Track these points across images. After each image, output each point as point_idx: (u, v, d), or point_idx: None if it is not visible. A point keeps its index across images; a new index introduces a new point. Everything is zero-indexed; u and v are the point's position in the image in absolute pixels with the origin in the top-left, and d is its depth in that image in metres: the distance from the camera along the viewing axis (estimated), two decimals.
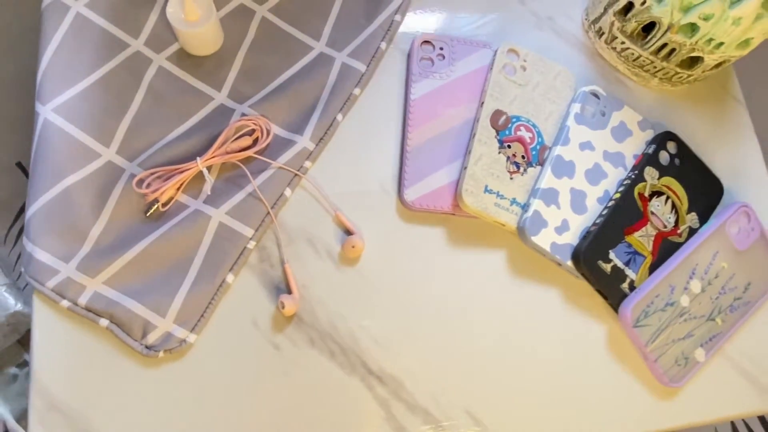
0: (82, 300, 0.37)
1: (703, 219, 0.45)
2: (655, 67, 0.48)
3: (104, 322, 0.37)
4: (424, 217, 0.43)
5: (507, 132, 0.44)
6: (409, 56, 0.46)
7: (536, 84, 0.46)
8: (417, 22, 0.48)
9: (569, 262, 0.42)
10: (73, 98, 0.41)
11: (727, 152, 0.50)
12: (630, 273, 0.42)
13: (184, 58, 0.43)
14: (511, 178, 0.43)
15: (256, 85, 0.44)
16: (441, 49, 0.46)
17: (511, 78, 0.45)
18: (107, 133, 0.41)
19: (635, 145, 0.46)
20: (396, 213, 0.43)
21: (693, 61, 0.47)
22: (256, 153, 0.41)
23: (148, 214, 0.40)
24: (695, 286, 0.43)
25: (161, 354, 0.37)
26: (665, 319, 0.42)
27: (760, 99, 0.57)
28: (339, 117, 0.44)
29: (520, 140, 0.44)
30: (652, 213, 0.44)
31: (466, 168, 0.42)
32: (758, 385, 0.43)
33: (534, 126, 0.45)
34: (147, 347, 0.37)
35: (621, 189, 0.44)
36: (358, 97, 0.45)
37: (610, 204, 0.43)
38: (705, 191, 0.46)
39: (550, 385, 0.41)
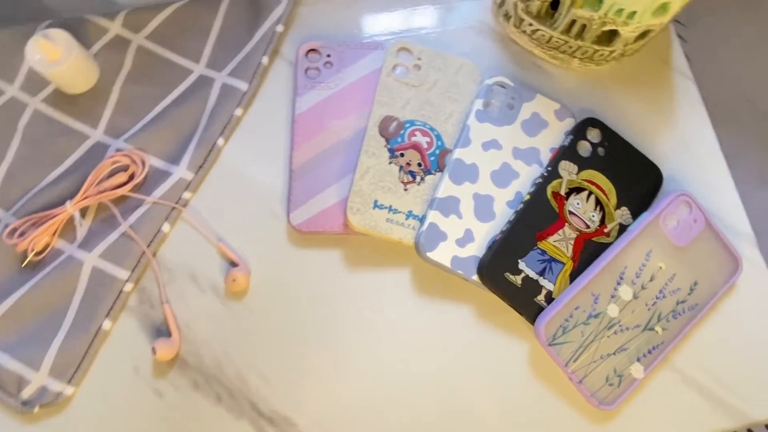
0: None
1: (638, 214, 0.40)
2: (570, 47, 0.43)
3: None
4: (316, 240, 0.41)
5: (399, 139, 0.41)
6: (294, 68, 0.43)
7: (433, 83, 0.43)
8: (308, 29, 0.46)
9: (475, 277, 0.38)
10: None
11: (671, 134, 0.45)
12: (546, 283, 0.38)
13: (59, 98, 0.43)
14: (406, 189, 0.40)
15: (132, 117, 0.43)
16: (328, 56, 0.43)
17: (403, 80, 0.42)
18: None
19: (552, 138, 0.42)
20: (286, 238, 0.41)
21: (611, 35, 0.42)
22: (132, 189, 0.40)
23: (23, 265, 0.39)
24: (625, 292, 0.38)
25: (37, 410, 0.36)
26: (589, 334, 0.37)
27: (711, 70, 0.51)
28: (220, 141, 0.42)
29: (416, 147, 0.41)
30: (571, 213, 0.39)
31: (352, 184, 0.39)
32: (714, 399, 0.38)
33: (432, 129, 0.41)
34: (23, 403, 0.36)
35: (531, 189, 0.40)
36: (241, 118, 0.43)
37: (519, 208, 0.39)
38: (639, 181, 0.42)
39: (467, 416, 0.37)
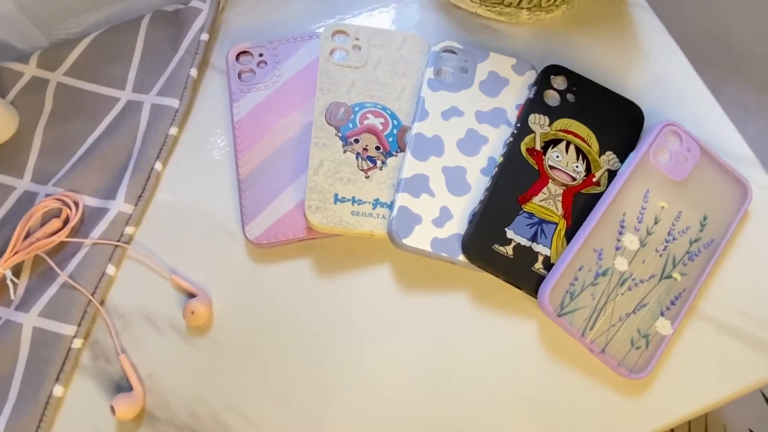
0: None
1: (626, 156, 0.37)
2: None
3: None
4: (280, 252, 0.37)
5: (350, 125, 0.37)
6: (226, 74, 0.40)
7: (377, 61, 0.39)
8: (236, 33, 0.43)
9: (461, 257, 0.34)
10: None
11: (641, 69, 0.42)
12: (540, 249, 0.34)
13: None
14: (368, 177, 0.36)
15: (60, 159, 0.39)
16: (261, 55, 0.40)
17: (343, 63, 0.39)
18: None
19: (515, 95, 0.39)
20: (246, 256, 0.37)
21: None
22: (68, 234, 0.36)
23: None
24: (630, 241, 0.34)
25: None
26: (601, 295, 0.33)
27: (671, 7, 0.49)
28: (158, 166, 0.38)
29: (370, 130, 0.37)
30: (552, 167, 0.36)
31: (307, 181, 0.35)
32: (756, 342, 0.34)
33: (384, 109, 0.38)
34: None
35: (504, 151, 0.36)
36: (178, 137, 0.40)
37: (495, 172, 0.35)
38: (618, 122, 0.38)
39: (482, 411, 0.32)
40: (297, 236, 0.36)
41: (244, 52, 0.41)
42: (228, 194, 0.39)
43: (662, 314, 0.34)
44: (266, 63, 0.41)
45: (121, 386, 0.35)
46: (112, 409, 0.32)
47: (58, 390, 0.34)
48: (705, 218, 0.36)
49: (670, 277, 0.35)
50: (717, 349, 0.35)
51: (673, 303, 0.34)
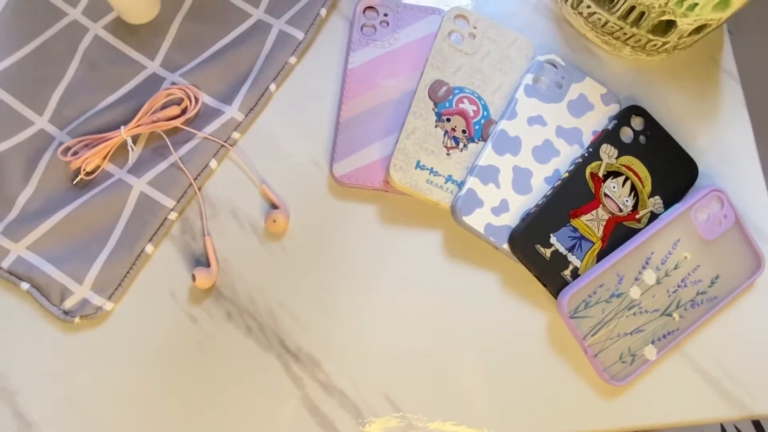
0: (5, 263, 0.39)
1: (670, 204, 0.41)
2: (625, 34, 0.43)
3: (25, 285, 0.38)
4: (355, 193, 0.42)
5: (447, 104, 0.41)
6: (351, 23, 0.44)
7: (486, 53, 0.43)
8: None
9: (505, 246, 0.39)
10: (11, 67, 0.42)
11: (711, 132, 0.45)
12: (573, 259, 0.39)
13: (119, 26, 0.44)
14: (448, 154, 0.41)
15: (189, 54, 0.43)
16: (385, 15, 0.44)
17: (457, 46, 0.43)
18: (41, 101, 0.42)
19: (596, 121, 0.42)
20: (326, 188, 0.42)
21: (667, 26, 0.42)
22: (183, 122, 0.41)
23: (74, 183, 0.40)
24: (649, 276, 0.39)
25: (77, 320, 0.38)
26: (609, 312, 0.38)
27: (758, 74, 0.51)
28: (272, 87, 0.43)
29: (462, 113, 0.41)
30: (606, 195, 0.40)
31: (397, 142, 0.40)
32: (720, 389, 0.40)
33: (479, 98, 0.42)
34: (65, 312, 0.38)
35: (571, 168, 0.40)
36: (295, 66, 0.44)
37: (557, 184, 0.40)
38: (674, 173, 0.42)
39: (481, 376, 0.39)
40: (374, 185, 0.42)
41: (371, 8, 0.45)
42: (324, 132, 0.44)
43: (653, 342, 0.40)
44: (388, 24, 0.45)
45: (200, 261, 0.41)
46: (193, 277, 0.39)
47: (149, 248, 0.40)
48: (717, 277, 0.41)
49: (670, 315, 0.40)
50: (687, 384, 0.41)
51: (664, 336, 0.40)
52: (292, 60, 0.44)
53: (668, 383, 0.41)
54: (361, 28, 0.45)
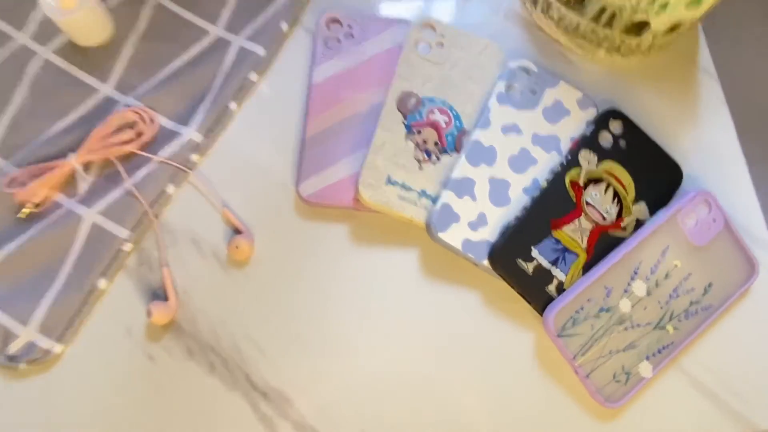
0: None
1: (656, 210, 0.39)
2: (597, 36, 0.42)
3: None
4: (324, 213, 0.39)
5: (417, 116, 0.39)
6: (314, 37, 0.42)
7: (456, 62, 0.41)
8: (331, 1, 0.45)
9: (485, 262, 0.37)
10: None
11: (693, 133, 0.44)
12: (558, 273, 0.37)
13: (71, 49, 0.42)
14: (421, 168, 0.38)
15: (145, 75, 0.41)
16: (350, 27, 0.42)
17: (425, 56, 0.41)
18: None
19: (573, 127, 0.41)
20: (293, 209, 0.39)
21: (640, 27, 0.41)
22: (138, 147, 0.39)
23: (20, 216, 0.37)
24: (638, 288, 0.37)
25: (23, 365, 0.35)
26: (599, 328, 0.36)
27: (736, 72, 0.50)
28: (232, 105, 0.41)
29: (433, 125, 0.39)
30: (588, 203, 0.38)
31: (366, 157, 0.38)
32: (721, 405, 0.37)
33: (451, 109, 0.40)
34: (8, 358, 0.35)
35: (549, 177, 0.38)
36: (257, 83, 0.42)
37: (536, 194, 0.38)
38: (658, 178, 0.40)
39: (466, 405, 0.36)
40: (344, 204, 0.39)
41: (335, 20, 0.43)
42: (290, 150, 0.41)
43: (647, 358, 0.37)
44: (353, 36, 0.43)
45: (158, 294, 0.38)
46: (149, 312, 0.36)
47: (102, 283, 0.37)
48: (710, 285, 0.39)
49: (663, 328, 0.38)
50: (686, 402, 0.38)
51: (659, 351, 0.38)
52: (254, 77, 0.42)
53: (666, 401, 0.38)
54: (326, 42, 0.43)
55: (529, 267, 0.38)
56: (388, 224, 0.40)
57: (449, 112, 0.41)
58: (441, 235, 0.38)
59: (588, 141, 0.40)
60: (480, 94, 0.42)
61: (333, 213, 0.40)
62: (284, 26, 0.43)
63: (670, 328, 0.38)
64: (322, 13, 0.43)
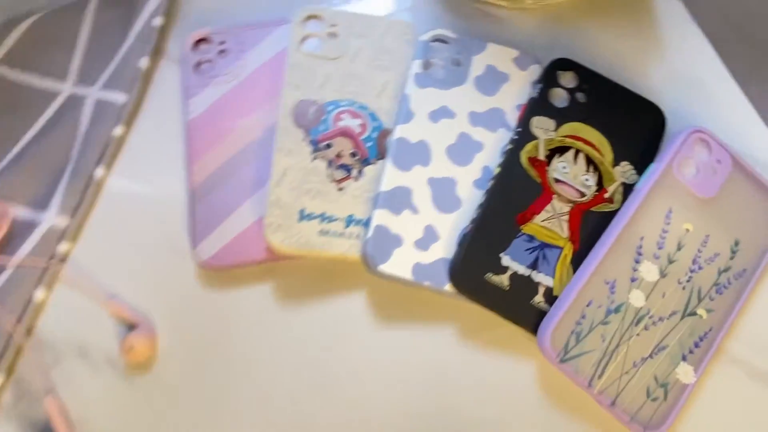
0: None
1: (644, 168, 0.31)
2: None
3: None
4: (236, 275, 0.31)
5: (322, 127, 0.32)
6: (182, 64, 0.35)
7: (356, 51, 0.34)
8: (196, 18, 0.37)
9: (448, 287, 0.29)
10: None
11: (662, 64, 0.36)
12: (542, 278, 0.29)
13: None
14: (340, 189, 0.31)
15: None
16: (222, 43, 0.35)
17: (316, 53, 0.33)
18: None
19: (516, 93, 0.33)
20: (197, 280, 0.31)
21: None
22: None
23: None
24: (648, 271, 0.28)
25: None
26: (612, 336, 0.28)
27: None
28: (99, 171, 0.33)
29: (345, 133, 0.32)
30: (558, 180, 0.30)
31: (268, 194, 0.30)
32: None
33: (363, 108, 0.32)
34: None
35: (501, 161, 0.30)
36: (124, 137, 0.34)
37: (490, 185, 0.30)
38: (635, 127, 0.32)
39: None
40: (256, 258, 0.31)
41: (203, 40, 0.36)
42: (179, 207, 0.33)
43: (684, 359, 0.29)
44: (228, 52, 0.35)
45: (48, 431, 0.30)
46: None
47: None
48: (737, 243, 0.31)
49: (694, 314, 0.29)
50: (750, 400, 0.29)
51: (697, 345, 0.29)
52: (119, 131, 0.34)
53: (724, 405, 0.29)
54: (196, 66, 0.35)
55: (503, 280, 0.29)
56: (320, 268, 0.32)
57: (361, 112, 0.33)
58: (383, 267, 0.29)
59: (538, 104, 0.32)
60: (395, 82, 0.34)
61: (247, 273, 0.32)
62: (144, 62, 0.35)
63: (702, 312, 0.30)
64: (186, 35, 0.36)
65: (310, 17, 0.35)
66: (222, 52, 0.35)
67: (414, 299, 0.31)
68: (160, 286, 0.32)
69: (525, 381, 0.30)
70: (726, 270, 0.30)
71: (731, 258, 0.30)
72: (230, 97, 0.34)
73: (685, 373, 0.28)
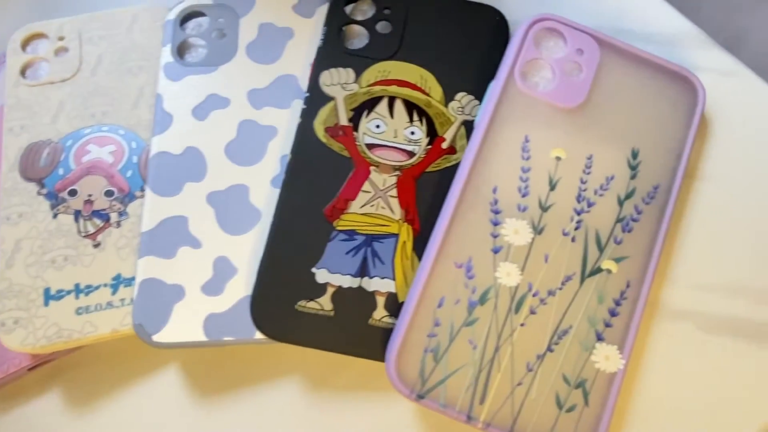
0: None
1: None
2: None
3: None
4: (9, 393, 0.24)
5: (60, 171, 0.24)
6: None
7: (96, 60, 0.26)
8: None
9: (259, 335, 0.21)
10: None
11: None
12: (379, 284, 0.21)
13: None
14: (97, 244, 0.23)
15: None
16: None
17: (44, 80, 0.26)
18: None
19: (307, 48, 0.25)
20: None
21: None
22: None
23: None
24: (515, 231, 0.20)
25: None
26: (485, 338, 0.19)
27: None
28: None
29: (93, 169, 0.24)
30: (371, 146, 0.22)
31: None
32: (760, 329, 0.20)
33: (113, 130, 0.25)
34: None
35: (292, 144, 0.23)
36: None
37: (283, 180, 0.22)
38: (467, 43, 0.24)
39: None
40: (22, 365, 0.24)
41: None
42: None
43: (600, 338, 0.20)
44: None
45: None
46: None
47: None
48: (635, 155, 0.22)
49: (599, 270, 0.21)
50: (711, 360, 0.21)
51: (613, 314, 0.21)
52: None
53: (675, 384, 0.21)
54: None
55: (324, 304, 0.21)
56: (107, 351, 0.23)
57: (113, 136, 0.26)
58: (158, 337, 0.21)
59: (327, 53, 0.24)
60: (153, 85, 0.27)
61: (14, 390, 0.24)
62: None
63: (609, 264, 0.21)
64: None
65: (30, 38, 0.27)
66: None
67: (236, 358, 0.23)
68: None
69: (403, 425, 0.22)
70: (629, 195, 0.21)
71: (633, 177, 0.22)
72: None
73: (606, 357, 0.20)
